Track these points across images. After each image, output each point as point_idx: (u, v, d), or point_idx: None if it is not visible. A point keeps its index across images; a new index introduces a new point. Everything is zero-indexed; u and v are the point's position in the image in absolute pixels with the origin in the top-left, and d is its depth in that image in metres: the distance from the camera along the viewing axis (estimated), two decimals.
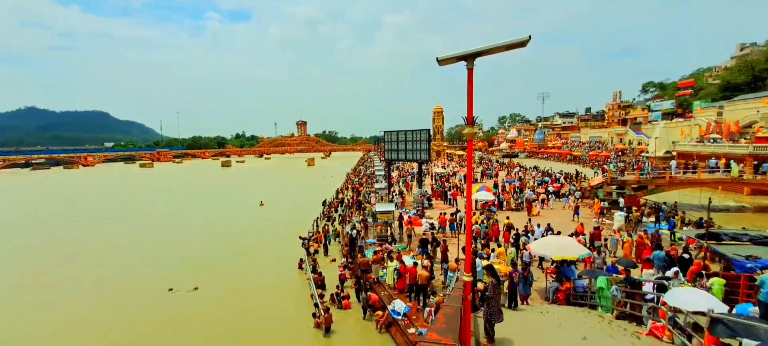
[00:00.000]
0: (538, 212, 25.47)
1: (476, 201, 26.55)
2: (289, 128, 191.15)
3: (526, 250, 14.03)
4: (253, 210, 36.42)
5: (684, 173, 30.34)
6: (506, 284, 10.36)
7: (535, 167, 52.21)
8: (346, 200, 34.80)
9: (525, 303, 10.99)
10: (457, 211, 21.91)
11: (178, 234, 27.15)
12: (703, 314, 6.16)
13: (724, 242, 12.45)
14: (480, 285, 6.44)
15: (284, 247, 22.23)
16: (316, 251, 20.74)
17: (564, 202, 28.76)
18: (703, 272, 10.41)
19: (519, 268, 12.00)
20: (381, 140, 34.88)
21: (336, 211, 30.46)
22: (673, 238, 17.72)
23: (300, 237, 22.34)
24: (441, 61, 3.34)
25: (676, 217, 21.48)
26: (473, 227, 18.59)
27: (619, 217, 20.69)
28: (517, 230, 18.05)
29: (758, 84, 61.49)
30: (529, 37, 2.99)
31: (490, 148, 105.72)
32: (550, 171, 44.53)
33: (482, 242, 16.83)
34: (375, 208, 22.58)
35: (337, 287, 14.87)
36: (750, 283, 8.93)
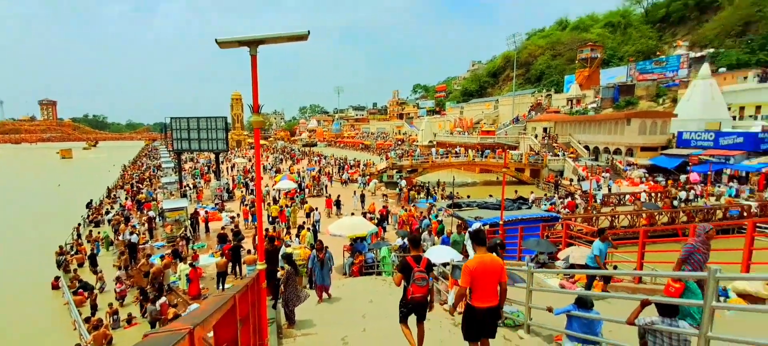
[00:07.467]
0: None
1: (279, 190, 26.54)
2: (27, 110, 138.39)
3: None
4: None
5: (441, 157, 39.11)
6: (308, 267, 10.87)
7: (332, 155, 56.48)
8: (121, 200, 28.42)
9: (324, 295, 8.85)
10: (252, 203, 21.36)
11: None
12: (446, 264, 8.27)
13: (462, 209, 16.85)
14: (281, 272, 6.60)
15: (29, 266, 17.22)
16: (81, 265, 16.52)
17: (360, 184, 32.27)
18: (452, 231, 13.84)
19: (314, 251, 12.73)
20: (168, 128, 29.98)
21: (106, 213, 24.49)
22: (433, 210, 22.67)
23: (57, 252, 17.09)
24: (221, 44, 3.18)
25: (437, 192, 27.58)
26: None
27: (361, 181, 28.75)
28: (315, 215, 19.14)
29: (483, 91, 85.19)
30: (309, 31, 3.23)
31: (293, 138, 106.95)
32: (346, 159, 48.94)
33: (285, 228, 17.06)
34: (162, 205, 19.49)
35: (110, 305, 12.11)
36: None
